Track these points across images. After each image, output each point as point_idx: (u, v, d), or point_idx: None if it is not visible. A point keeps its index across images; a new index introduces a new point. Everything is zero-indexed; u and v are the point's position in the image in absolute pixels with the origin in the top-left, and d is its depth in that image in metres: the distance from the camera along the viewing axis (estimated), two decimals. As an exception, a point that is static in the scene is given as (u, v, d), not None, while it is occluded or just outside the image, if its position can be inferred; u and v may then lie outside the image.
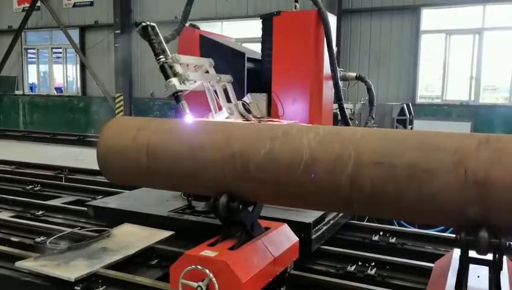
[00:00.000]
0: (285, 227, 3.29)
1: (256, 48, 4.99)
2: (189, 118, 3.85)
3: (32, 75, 18.37)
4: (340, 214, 4.16)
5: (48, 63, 17.79)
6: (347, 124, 4.69)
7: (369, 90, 5.58)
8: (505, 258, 2.41)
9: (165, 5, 13.90)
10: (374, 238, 4.19)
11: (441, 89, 11.69)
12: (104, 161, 3.07)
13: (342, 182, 2.27)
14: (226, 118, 4.26)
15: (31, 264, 3.18)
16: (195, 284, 2.50)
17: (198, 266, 2.52)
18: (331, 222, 4.00)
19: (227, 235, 2.84)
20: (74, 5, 16.13)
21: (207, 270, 2.49)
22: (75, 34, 16.11)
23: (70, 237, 3.97)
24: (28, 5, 16.41)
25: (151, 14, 14.09)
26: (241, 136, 2.67)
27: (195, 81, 4.13)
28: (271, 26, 4.55)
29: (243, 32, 12.82)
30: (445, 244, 3.97)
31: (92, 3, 15.82)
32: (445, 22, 11.39)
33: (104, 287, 3.03)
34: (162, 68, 3.91)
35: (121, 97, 14.85)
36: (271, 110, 4.58)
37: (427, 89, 12.32)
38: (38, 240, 4.07)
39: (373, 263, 3.56)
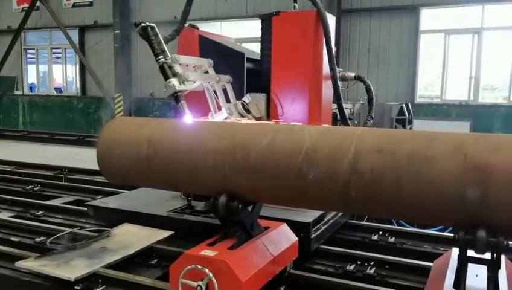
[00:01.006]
0: (285, 227, 3.30)
1: (255, 48, 5.00)
2: (188, 118, 3.86)
3: (31, 75, 18.37)
4: (340, 214, 4.18)
5: (48, 63, 17.79)
6: (346, 124, 4.70)
7: (368, 90, 5.59)
8: (503, 257, 2.42)
9: (165, 5, 13.89)
10: (373, 237, 4.20)
11: (440, 88, 11.70)
12: (104, 161, 3.09)
13: (341, 168, 2.29)
14: (226, 118, 4.27)
15: (31, 264, 3.19)
16: (194, 284, 2.51)
17: (198, 266, 2.53)
18: (331, 221, 4.01)
19: (227, 235, 2.85)
20: (73, 5, 16.13)
21: (206, 270, 2.50)
22: (74, 34, 16.11)
23: (70, 237, 3.98)
24: (28, 5, 16.41)
25: (150, 14, 14.07)
26: (244, 128, 2.74)
27: (194, 82, 4.14)
28: (270, 27, 4.55)
29: (242, 33, 12.82)
30: (444, 244, 3.99)
31: (91, 4, 15.82)
32: (444, 21, 11.40)
33: (104, 286, 3.04)
34: (162, 68, 3.92)
35: (121, 97, 14.85)
36: (270, 110, 4.59)
37: (427, 88, 12.33)
38: (38, 240, 4.08)
39: (372, 263, 3.57)
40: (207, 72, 4.46)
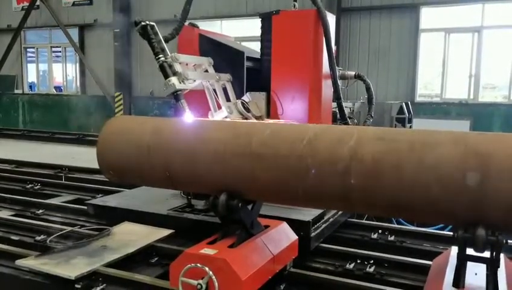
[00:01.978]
0: (285, 225, 3.31)
1: (256, 47, 5.00)
2: (188, 116, 3.87)
3: (31, 74, 18.37)
4: (339, 212, 4.18)
5: (47, 62, 17.79)
6: (346, 123, 4.71)
7: (367, 89, 5.60)
8: (502, 255, 2.43)
9: (165, 4, 13.90)
10: (373, 236, 4.20)
11: (440, 87, 11.70)
12: (104, 159, 3.09)
13: (342, 154, 2.32)
14: (225, 116, 4.28)
15: (31, 262, 3.19)
16: (195, 282, 2.51)
17: (198, 264, 2.53)
18: (330, 220, 4.02)
19: (227, 234, 2.86)
20: (73, 4, 16.12)
21: (207, 268, 2.50)
22: (74, 32, 16.10)
23: (71, 236, 3.99)
24: (27, 4, 16.40)
25: (150, 12, 14.10)
26: (246, 123, 2.86)
27: (194, 80, 4.15)
28: (270, 25, 4.56)
29: (243, 31, 12.82)
30: (443, 242, 3.99)
31: (91, 2, 15.81)
32: (444, 20, 11.40)
33: (105, 285, 3.04)
34: (162, 67, 3.93)
35: (121, 96, 14.85)
36: (270, 109, 4.59)
37: (427, 87, 12.33)
38: (38, 238, 4.08)
39: (372, 261, 3.58)
40: (207, 71, 4.46)
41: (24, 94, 17.79)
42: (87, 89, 16.49)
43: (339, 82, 4.70)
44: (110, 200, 4.50)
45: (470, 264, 2.42)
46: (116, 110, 14.76)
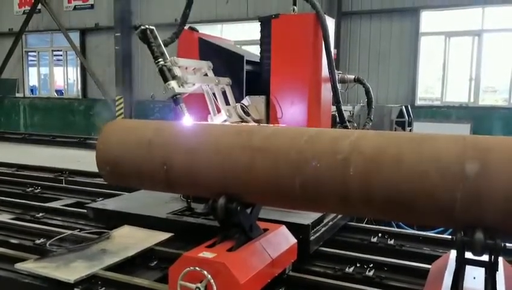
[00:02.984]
0: (284, 229, 3.31)
1: (256, 50, 5.01)
2: (188, 120, 3.88)
3: (32, 77, 18.39)
4: (339, 216, 4.18)
5: (49, 65, 17.81)
6: (345, 127, 4.71)
7: (367, 92, 5.60)
8: (500, 259, 2.42)
9: (166, 8, 13.93)
10: (372, 239, 4.20)
11: (441, 91, 11.69)
12: (103, 163, 3.10)
13: (343, 146, 2.35)
14: (225, 120, 4.29)
15: (30, 266, 3.20)
16: (193, 286, 2.52)
17: (197, 268, 2.53)
18: (330, 223, 4.02)
19: (226, 237, 2.86)
20: (75, 8, 16.16)
21: (205, 272, 2.50)
22: (75, 36, 16.14)
23: (70, 239, 3.99)
24: (29, 8, 16.45)
25: (151, 16, 14.13)
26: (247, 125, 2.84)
27: (193, 84, 4.16)
28: (270, 29, 4.57)
29: (243, 35, 12.84)
30: (442, 246, 3.99)
31: (92, 6, 15.85)
32: (444, 24, 11.40)
33: (104, 288, 3.05)
34: (161, 71, 3.94)
35: (122, 100, 14.87)
36: (269, 113, 4.60)
37: (427, 91, 12.32)
38: (38, 242, 4.09)
39: (371, 265, 3.58)
40: (206, 75, 4.48)
41: (25, 98, 17.81)
42: (88, 92, 16.51)
43: (339, 86, 4.71)
44: (110, 204, 4.51)
45: (468, 267, 2.42)
46: (117, 114, 14.77)
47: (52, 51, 17.40)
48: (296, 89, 4.46)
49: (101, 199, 5.55)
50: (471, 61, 11.20)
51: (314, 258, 3.74)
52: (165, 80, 3.92)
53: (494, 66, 11.20)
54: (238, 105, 4.46)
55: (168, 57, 4.00)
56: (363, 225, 4.67)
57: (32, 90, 18.55)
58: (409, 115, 7.22)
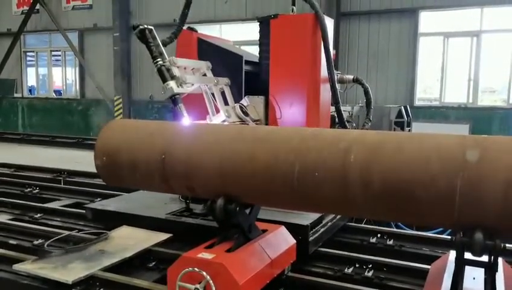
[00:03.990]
0: (283, 229, 3.30)
1: (255, 51, 5.01)
2: (186, 120, 3.87)
3: (31, 78, 18.38)
4: (338, 216, 4.18)
5: (47, 66, 17.80)
6: (344, 127, 4.70)
7: (366, 92, 5.60)
8: (500, 259, 2.42)
9: (164, 8, 13.93)
10: (371, 240, 4.20)
11: (439, 91, 11.70)
12: (102, 163, 3.09)
13: (344, 139, 2.39)
14: (224, 120, 4.28)
15: (28, 266, 3.19)
16: (192, 287, 2.51)
17: (196, 269, 2.52)
18: (329, 224, 4.01)
19: (225, 238, 2.85)
20: (73, 8, 16.14)
21: (204, 273, 2.50)
22: (74, 36, 16.12)
23: (68, 240, 3.98)
24: (27, 8, 16.43)
25: (150, 16, 14.12)
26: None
27: (192, 84, 4.15)
28: (268, 29, 4.57)
29: (242, 35, 12.84)
30: (442, 246, 3.99)
31: (91, 6, 15.83)
32: (443, 24, 11.42)
33: (102, 289, 3.03)
34: (160, 71, 3.94)
35: (120, 100, 14.86)
36: (268, 113, 4.59)
37: (426, 91, 12.34)
38: (36, 242, 4.08)
39: (370, 265, 3.57)
40: (205, 75, 4.47)
41: (23, 98, 17.79)
42: (87, 92, 16.49)
43: (337, 86, 4.70)
44: (109, 204, 4.49)
45: (468, 268, 2.41)
46: (116, 114, 14.77)
47: (51, 51, 17.39)
48: (295, 89, 4.46)
49: (99, 199, 5.54)
50: (470, 62, 11.21)
51: (313, 258, 3.73)
52: (164, 80, 3.91)
53: (493, 67, 11.22)
54: (237, 105, 4.45)
55: (166, 57, 4.00)
56: (362, 225, 4.66)
57: (30, 91, 18.55)
58: (407, 116, 7.22)
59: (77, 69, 16.65)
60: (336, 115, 4.76)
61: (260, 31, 4.69)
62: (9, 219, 5.02)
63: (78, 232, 4.22)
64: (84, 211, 4.57)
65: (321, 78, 4.52)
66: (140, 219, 4.08)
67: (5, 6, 17.43)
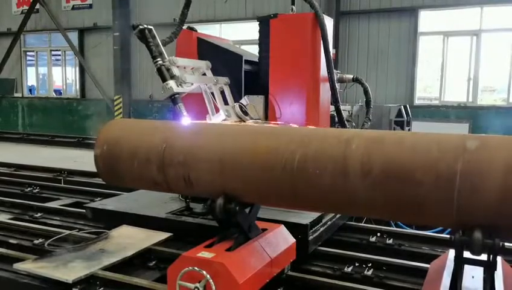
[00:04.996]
0: (282, 228, 3.31)
1: (254, 50, 5.02)
2: (186, 120, 3.88)
3: (31, 77, 18.39)
4: (338, 215, 4.18)
5: (47, 65, 17.80)
6: (344, 126, 4.71)
7: (365, 92, 5.60)
8: (499, 258, 2.43)
9: (164, 8, 13.93)
10: (371, 239, 4.20)
11: (439, 90, 11.71)
12: (102, 162, 3.09)
13: (345, 134, 2.43)
14: (223, 120, 4.29)
15: (29, 266, 3.19)
16: (192, 286, 2.51)
17: (196, 268, 2.53)
18: (328, 223, 4.02)
19: (225, 237, 2.86)
20: (73, 8, 16.14)
21: (204, 272, 2.50)
22: (74, 36, 16.13)
23: (69, 239, 3.99)
24: (27, 8, 16.43)
25: (150, 16, 14.11)
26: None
27: (192, 84, 4.16)
28: (268, 29, 4.57)
29: (242, 35, 12.85)
30: (441, 245, 4.00)
31: (91, 6, 15.83)
32: (443, 23, 11.43)
33: (102, 288, 3.04)
34: (159, 71, 3.94)
35: (120, 99, 14.86)
36: (268, 113, 4.60)
37: (426, 90, 12.35)
38: (36, 242, 4.08)
39: (370, 264, 3.58)
40: (205, 74, 4.47)
41: (23, 97, 17.80)
42: (87, 92, 16.50)
43: (337, 85, 4.71)
44: (109, 204, 4.50)
45: (467, 267, 2.42)
46: (116, 114, 14.77)
47: (51, 50, 17.39)
48: (295, 88, 4.46)
49: (99, 198, 5.54)
50: (470, 61, 11.22)
51: (313, 257, 3.74)
52: (164, 79, 3.91)
53: (493, 66, 11.22)
54: (237, 105, 4.46)
55: (166, 57, 4.00)
56: (362, 224, 4.67)
57: (30, 90, 18.54)
58: (407, 115, 7.22)
59: (77, 68, 16.65)
60: (335, 115, 4.77)
61: (260, 31, 4.69)
62: (10, 219, 5.02)
63: (78, 231, 4.23)
64: (84, 211, 4.57)
65: (321, 78, 4.52)
66: (141, 218, 4.08)
67: (5, 6, 17.44)
